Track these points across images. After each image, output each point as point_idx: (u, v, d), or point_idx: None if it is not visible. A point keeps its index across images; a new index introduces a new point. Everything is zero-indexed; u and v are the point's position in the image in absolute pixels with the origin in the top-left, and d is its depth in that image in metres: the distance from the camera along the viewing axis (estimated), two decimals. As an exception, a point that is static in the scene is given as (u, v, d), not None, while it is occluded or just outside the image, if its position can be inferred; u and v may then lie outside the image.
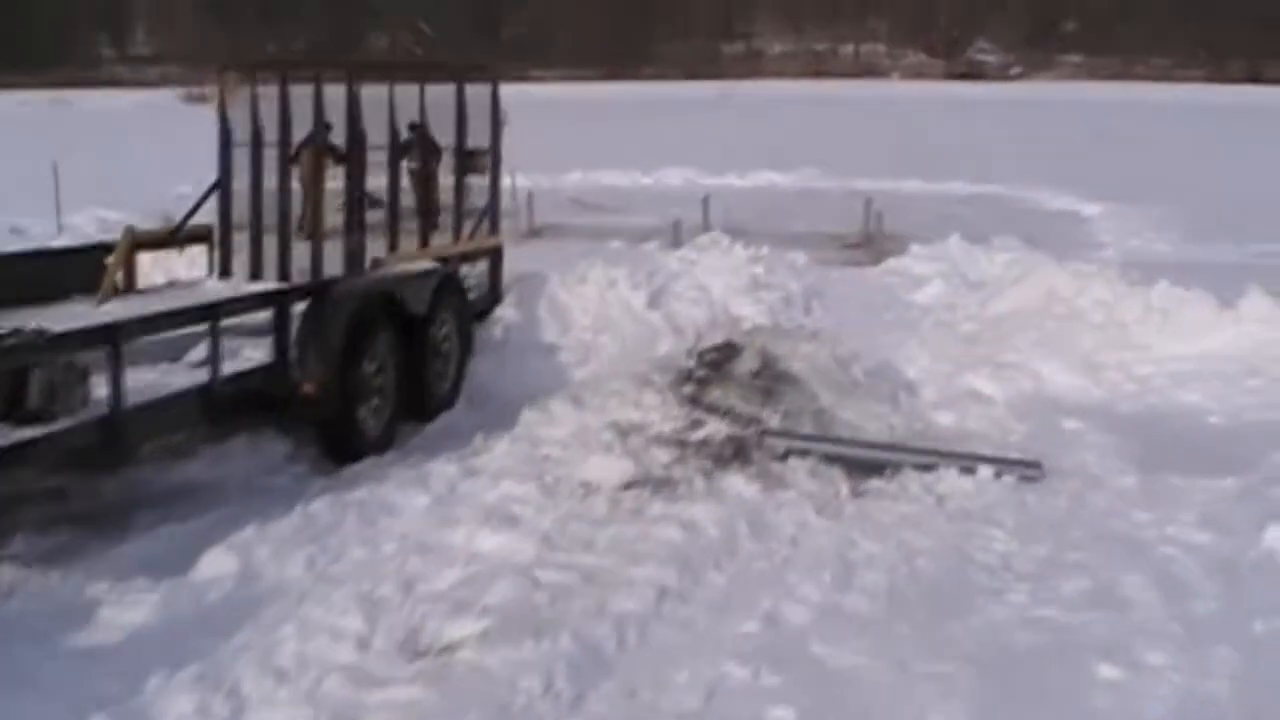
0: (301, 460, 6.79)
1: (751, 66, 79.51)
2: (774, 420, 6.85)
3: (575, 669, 4.23)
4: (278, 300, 6.70)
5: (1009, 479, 6.25)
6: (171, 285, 8.51)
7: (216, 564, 5.09)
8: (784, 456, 6.43)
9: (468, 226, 9.32)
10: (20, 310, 6.51)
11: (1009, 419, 7.52)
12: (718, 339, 8.09)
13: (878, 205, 16.09)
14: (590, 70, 74.01)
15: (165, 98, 54.55)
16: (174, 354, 6.37)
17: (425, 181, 9.94)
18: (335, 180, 8.80)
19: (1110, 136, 33.89)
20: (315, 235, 8.67)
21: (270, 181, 8.68)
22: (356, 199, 8.73)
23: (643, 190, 22.15)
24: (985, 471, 6.28)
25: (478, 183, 9.43)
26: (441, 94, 9.09)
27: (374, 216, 8.97)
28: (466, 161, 9.28)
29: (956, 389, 8.01)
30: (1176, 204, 18.36)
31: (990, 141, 32.62)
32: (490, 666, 4.28)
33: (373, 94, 8.78)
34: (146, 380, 5.89)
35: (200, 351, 6.24)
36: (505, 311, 9.06)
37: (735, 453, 6.47)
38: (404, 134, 9.24)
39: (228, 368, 6.16)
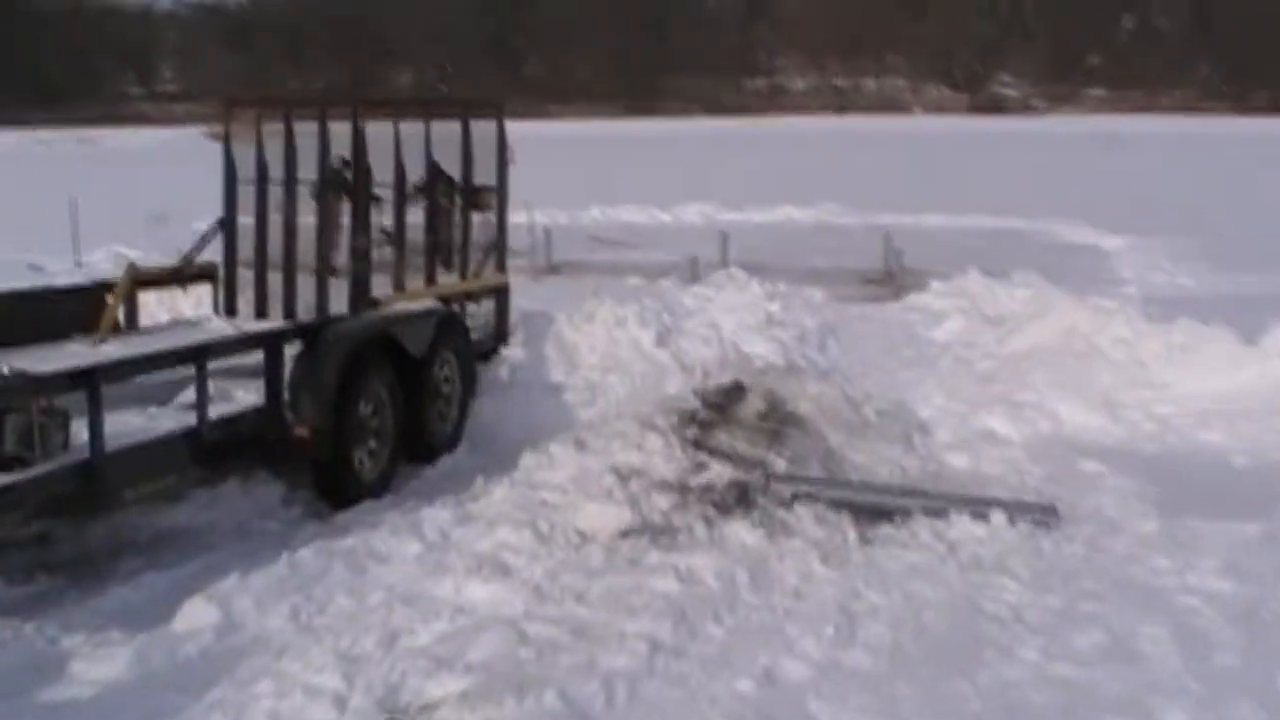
0: (296, 504, 6.65)
1: (773, 102, 79.67)
2: (780, 464, 6.65)
3: (559, 730, 4.04)
4: (269, 341, 6.53)
5: (1023, 525, 6.04)
6: (174, 324, 8.39)
7: (196, 615, 4.95)
8: (790, 502, 6.21)
9: (473, 264, 9.20)
10: (16, 350, 6.37)
11: (1025, 460, 7.31)
12: (725, 379, 7.93)
13: (898, 241, 15.92)
14: (610, 106, 74.28)
15: (190, 135, 54.92)
16: (164, 396, 6.24)
17: (434, 218, 9.82)
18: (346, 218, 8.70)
19: (1132, 169, 33.58)
20: (321, 273, 8.55)
21: (276, 219, 8.58)
22: (364, 236, 8.61)
23: (661, 226, 22.03)
24: (999, 517, 6.07)
25: (484, 220, 9.31)
26: (449, 131, 8.99)
27: (383, 254, 8.85)
28: (473, 199, 9.18)
29: (971, 429, 7.83)
30: (1200, 236, 18.13)
31: (1011, 175, 32.41)
32: (470, 727, 4.09)
33: (379, 131, 8.69)
34: (132, 423, 5.76)
35: (190, 394, 6.10)
36: (512, 351, 8.90)
37: (739, 498, 6.24)
38: (420, 172, 9.13)
39: (218, 410, 6.02)
